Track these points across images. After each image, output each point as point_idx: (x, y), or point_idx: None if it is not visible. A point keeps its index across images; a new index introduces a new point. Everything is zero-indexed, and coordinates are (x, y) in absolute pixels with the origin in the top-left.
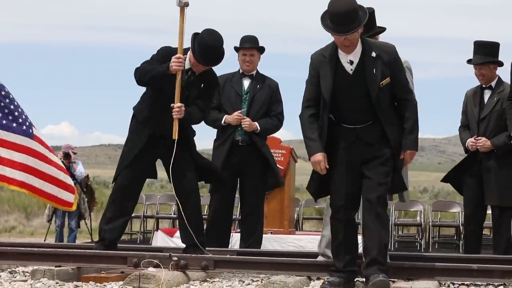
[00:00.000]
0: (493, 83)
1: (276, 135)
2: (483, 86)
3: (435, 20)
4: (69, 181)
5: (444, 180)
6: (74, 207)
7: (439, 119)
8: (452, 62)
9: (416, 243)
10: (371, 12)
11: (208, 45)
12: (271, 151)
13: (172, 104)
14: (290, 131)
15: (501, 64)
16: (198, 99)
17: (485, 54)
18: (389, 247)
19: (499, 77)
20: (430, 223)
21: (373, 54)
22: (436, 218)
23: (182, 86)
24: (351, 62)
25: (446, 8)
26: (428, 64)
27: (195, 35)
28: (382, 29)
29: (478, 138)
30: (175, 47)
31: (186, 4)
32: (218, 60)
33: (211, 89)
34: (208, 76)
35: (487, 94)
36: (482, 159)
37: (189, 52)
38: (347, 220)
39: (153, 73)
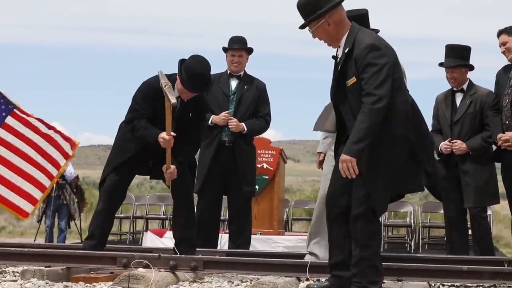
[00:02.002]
0: (464, 86)
1: (266, 136)
2: (454, 89)
3: (427, 20)
4: (32, 189)
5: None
6: (28, 217)
7: (429, 119)
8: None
9: (406, 244)
10: (365, 13)
11: (196, 72)
12: (261, 151)
13: (162, 135)
14: (279, 132)
15: (472, 68)
16: (190, 129)
17: (457, 57)
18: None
19: (470, 80)
20: (420, 224)
21: (347, 50)
22: (426, 219)
23: (173, 116)
24: (335, 58)
25: (437, 7)
26: (420, 64)
27: (182, 62)
28: (376, 31)
29: (454, 141)
30: (157, 80)
31: (174, 104)
32: (206, 86)
33: (202, 117)
34: (197, 103)
35: (458, 97)
36: (457, 162)
37: (177, 80)
38: (335, 219)
39: (147, 138)
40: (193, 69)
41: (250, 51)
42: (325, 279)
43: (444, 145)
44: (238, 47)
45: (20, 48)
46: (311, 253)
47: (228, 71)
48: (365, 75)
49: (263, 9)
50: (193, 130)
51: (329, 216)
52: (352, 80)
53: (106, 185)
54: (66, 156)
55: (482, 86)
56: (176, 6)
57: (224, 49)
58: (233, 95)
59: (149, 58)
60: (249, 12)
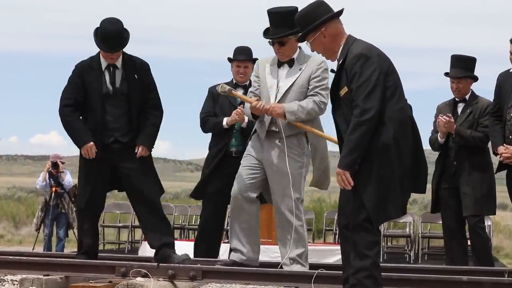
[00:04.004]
0: (467, 96)
1: None
2: (456, 99)
3: (425, 30)
4: None
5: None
6: None
7: (429, 130)
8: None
9: (405, 255)
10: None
11: (106, 32)
12: None
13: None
14: None
15: (476, 79)
16: (143, 90)
17: (463, 68)
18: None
19: (472, 90)
20: (420, 235)
21: (340, 61)
22: (426, 229)
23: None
24: (333, 71)
25: (435, 17)
26: (419, 74)
27: (96, 30)
28: None
29: (448, 116)
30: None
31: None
32: (118, 42)
33: (148, 76)
34: (135, 64)
35: (460, 107)
36: (456, 172)
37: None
38: (343, 230)
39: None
40: (103, 31)
41: (255, 61)
42: None
43: (440, 121)
44: (243, 58)
45: (20, 56)
46: (235, 250)
47: (234, 81)
48: (354, 85)
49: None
50: (146, 91)
51: (339, 226)
52: (344, 91)
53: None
54: None
55: (485, 97)
56: (177, 16)
57: (230, 60)
58: (239, 105)
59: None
60: (253, 21)
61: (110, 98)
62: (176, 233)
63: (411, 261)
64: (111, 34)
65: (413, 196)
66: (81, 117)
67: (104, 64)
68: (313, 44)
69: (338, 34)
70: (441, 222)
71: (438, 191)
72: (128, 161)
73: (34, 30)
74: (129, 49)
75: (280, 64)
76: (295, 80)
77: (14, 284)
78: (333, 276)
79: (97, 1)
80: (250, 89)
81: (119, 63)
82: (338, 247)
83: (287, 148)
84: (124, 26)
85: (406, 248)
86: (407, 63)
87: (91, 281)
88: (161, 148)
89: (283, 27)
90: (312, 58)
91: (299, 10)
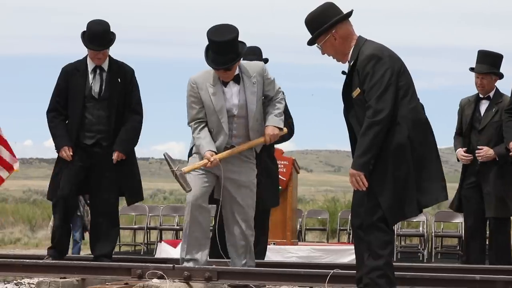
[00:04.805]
0: (491, 94)
1: (278, 146)
2: (480, 96)
3: (437, 29)
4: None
5: (451, 207)
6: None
7: (442, 129)
8: (452, 71)
9: (419, 254)
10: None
11: (92, 31)
12: None
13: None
14: (292, 142)
15: (502, 76)
16: (125, 94)
17: (489, 64)
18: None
19: (497, 88)
20: (433, 234)
21: (352, 62)
22: (439, 228)
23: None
24: (345, 73)
25: (448, 17)
26: (431, 73)
27: (83, 32)
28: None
29: (480, 147)
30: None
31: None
32: (104, 40)
33: (132, 81)
34: (121, 68)
35: (484, 105)
36: (479, 170)
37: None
38: (356, 231)
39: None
40: (91, 30)
41: (265, 61)
42: None
43: (460, 155)
44: (251, 59)
45: (38, 59)
46: (190, 259)
47: None
48: (366, 86)
49: (275, 20)
50: (129, 95)
51: (353, 227)
52: (356, 92)
53: None
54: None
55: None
56: (185, 17)
57: None
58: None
59: (159, 67)
60: (264, 23)
61: (92, 100)
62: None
63: (425, 260)
64: (99, 33)
65: None
66: (66, 120)
67: (90, 66)
68: (323, 46)
69: (349, 35)
70: (454, 221)
71: (461, 189)
72: (103, 166)
73: (49, 32)
74: (147, 51)
75: (225, 83)
76: (256, 93)
77: (31, 287)
78: (347, 275)
79: (112, 3)
80: (192, 115)
81: (105, 65)
82: (353, 247)
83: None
84: (111, 29)
85: (419, 247)
86: (419, 62)
87: (107, 283)
88: (176, 150)
89: (230, 54)
90: (250, 66)
91: (310, 12)
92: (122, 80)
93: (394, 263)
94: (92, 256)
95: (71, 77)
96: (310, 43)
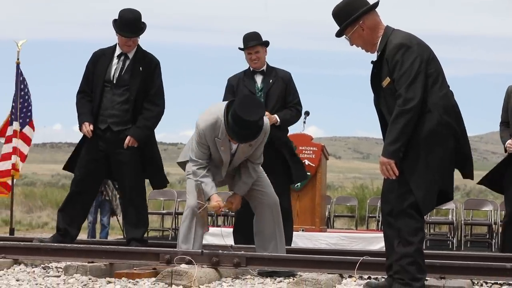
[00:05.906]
0: None
1: (307, 132)
2: None
3: (465, 16)
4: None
5: (480, 182)
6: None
7: (470, 117)
8: (480, 59)
9: (448, 242)
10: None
11: (124, 18)
12: (302, 148)
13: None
14: (321, 129)
15: None
16: (145, 83)
17: None
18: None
19: None
20: (462, 222)
21: (380, 52)
22: (468, 216)
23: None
24: (373, 63)
25: (477, 4)
26: (458, 61)
27: (115, 19)
28: None
29: None
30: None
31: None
32: (135, 27)
33: (154, 71)
34: (145, 58)
35: None
36: None
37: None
38: (386, 217)
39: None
40: (123, 17)
41: (266, 44)
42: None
43: (508, 145)
44: (252, 44)
45: (68, 43)
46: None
47: (251, 68)
48: (396, 74)
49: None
50: (149, 85)
51: (382, 213)
52: (386, 81)
53: None
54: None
55: None
56: (220, 4)
57: (241, 49)
58: (260, 92)
59: (195, 54)
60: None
61: (110, 85)
62: (220, 220)
63: (454, 248)
64: (130, 21)
65: (456, 183)
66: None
67: (117, 52)
68: (351, 38)
69: (376, 25)
70: (483, 209)
71: (507, 168)
72: (118, 152)
73: (82, 18)
74: (176, 38)
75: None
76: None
77: (58, 271)
78: (377, 263)
79: None
80: (199, 154)
81: (131, 53)
82: (382, 234)
83: None
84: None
85: (449, 235)
86: (447, 50)
87: (135, 268)
88: None
89: (255, 128)
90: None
91: (337, 4)
92: (144, 69)
93: (424, 251)
94: (119, 240)
95: (98, 61)
96: (338, 34)
